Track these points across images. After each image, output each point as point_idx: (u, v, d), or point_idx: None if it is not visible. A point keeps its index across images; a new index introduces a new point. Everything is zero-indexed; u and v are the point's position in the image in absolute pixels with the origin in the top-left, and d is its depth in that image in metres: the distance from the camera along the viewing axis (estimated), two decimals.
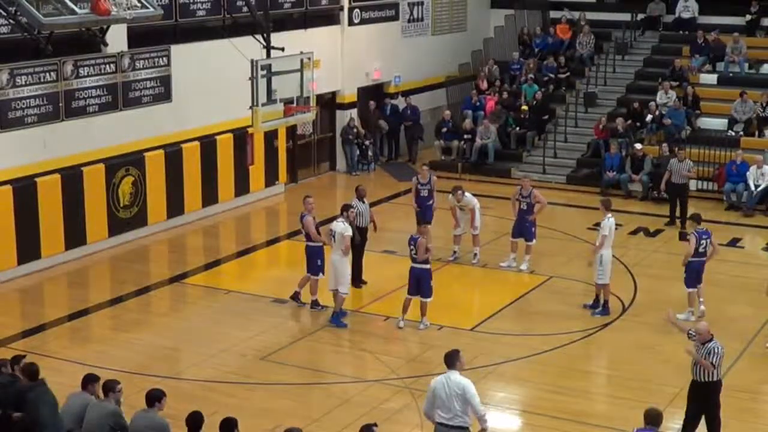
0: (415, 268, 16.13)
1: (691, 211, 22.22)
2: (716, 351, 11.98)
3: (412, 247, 16.08)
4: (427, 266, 16.16)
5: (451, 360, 11.06)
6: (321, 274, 16.86)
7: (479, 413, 10.91)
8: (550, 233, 20.84)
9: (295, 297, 17.16)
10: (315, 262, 16.86)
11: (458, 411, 10.82)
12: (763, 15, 28.96)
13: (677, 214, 21.98)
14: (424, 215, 19.54)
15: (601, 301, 16.97)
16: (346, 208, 16.98)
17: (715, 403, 12.21)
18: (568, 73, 28.76)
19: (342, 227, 16.44)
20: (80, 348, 15.75)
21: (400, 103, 28.03)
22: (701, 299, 16.68)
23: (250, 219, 23.28)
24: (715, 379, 12.09)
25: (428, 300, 16.15)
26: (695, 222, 16.86)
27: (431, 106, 29.00)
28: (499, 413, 13.53)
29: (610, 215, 16.94)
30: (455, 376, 10.92)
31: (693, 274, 16.55)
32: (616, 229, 17.32)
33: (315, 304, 17.01)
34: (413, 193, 19.80)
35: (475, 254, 19.33)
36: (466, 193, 19.15)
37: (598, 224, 17.62)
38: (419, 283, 16.10)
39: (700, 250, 16.48)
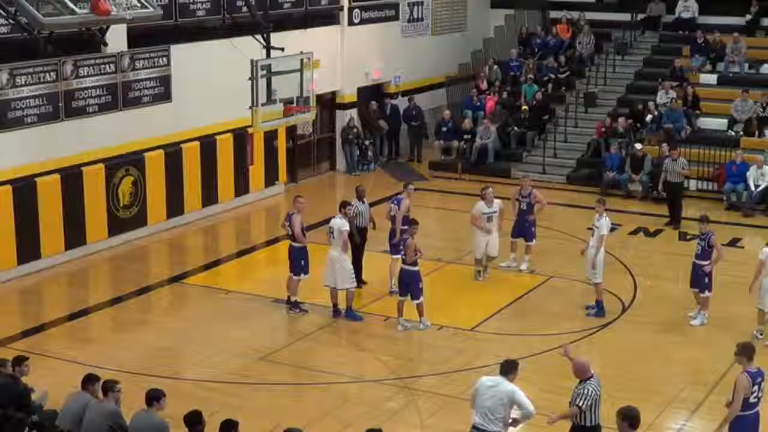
0: (404, 269, 16.12)
1: (687, 209, 22.32)
2: (585, 394, 10.61)
3: (401, 247, 16.08)
4: (416, 268, 16.10)
5: (508, 369, 10.83)
6: (303, 274, 16.87)
7: (531, 412, 10.62)
8: (550, 233, 20.82)
9: (288, 302, 17.16)
10: (299, 262, 16.85)
11: (499, 417, 10.62)
12: (763, 15, 28.95)
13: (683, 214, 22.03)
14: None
15: (596, 301, 16.93)
16: (344, 205, 17.00)
17: None
18: (568, 73, 28.75)
19: (339, 222, 16.46)
20: (80, 348, 15.73)
21: (401, 103, 28.04)
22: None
23: (249, 219, 23.29)
24: (587, 424, 10.69)
25: (418, 301, 16.11)
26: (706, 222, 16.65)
27: (431, 106, 28.99)
28: None
29: (605, 214, 16.94)
30: (505, 384, 10.69)
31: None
32: (613, 229, 17.31)
33: (294, 305, 16.95)
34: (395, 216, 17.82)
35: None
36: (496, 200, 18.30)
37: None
38: (408, 286, 16.09)
39: (696, 251, 16.56)
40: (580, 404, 10.61)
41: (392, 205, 18.03)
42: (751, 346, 11.20)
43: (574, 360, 11.13)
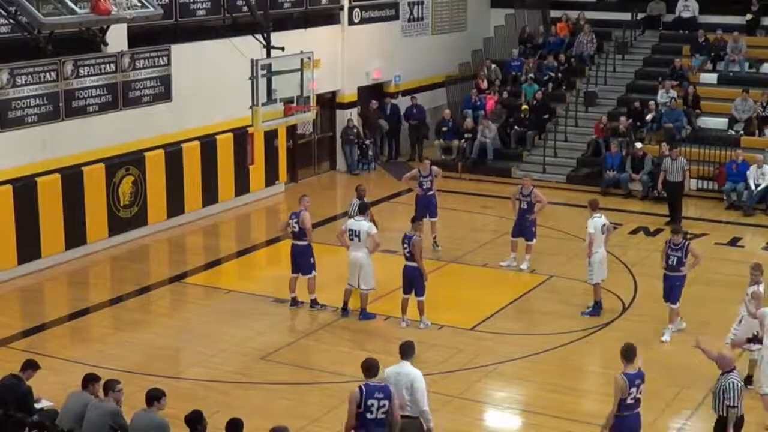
0: (408, 267, 16.12)
1: (687, 209, 22.32)
2: (731, 387, 11.10)
3: (405, 245, 16.06)
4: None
5: (409, 350, 11.05)
6: (314, 271, 16.87)
7: (422, 407, 10.75)
8: (550, 232, 20.83)
9: (294, 302, 17.17)
10: (308, 260, 16.84)
11: (407, 401, 10.72)
12: (763, 14, 28.95)
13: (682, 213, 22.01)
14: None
15: (593, 302, 16.91)
16: (366, 207, 16.97)
17: None
18: (566, 65, 28.75)
19: (367, 225, 16.43)
20: (80, 348, 15.76)
21: (402, 102, 28.03)
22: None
23: (250, 219, 23.28)
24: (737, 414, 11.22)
25: (422, 298, 16.13)
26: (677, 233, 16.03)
27: (431, 106, 28.99)
28: (499, 413, 13.55)
29: (597, 214, 16.87)
30: (407, 366, 10.87)
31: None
32: (614, 228, 17.23)
33: (314, 303, 17.00)
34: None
35: None
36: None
37: None
38: (412, 283, 16.10)
39: (670, 262, 15.87)
40: (735, 404, 11.07)
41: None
42: (632, 347, 11.18)
43: (723, 353, 11.54)
